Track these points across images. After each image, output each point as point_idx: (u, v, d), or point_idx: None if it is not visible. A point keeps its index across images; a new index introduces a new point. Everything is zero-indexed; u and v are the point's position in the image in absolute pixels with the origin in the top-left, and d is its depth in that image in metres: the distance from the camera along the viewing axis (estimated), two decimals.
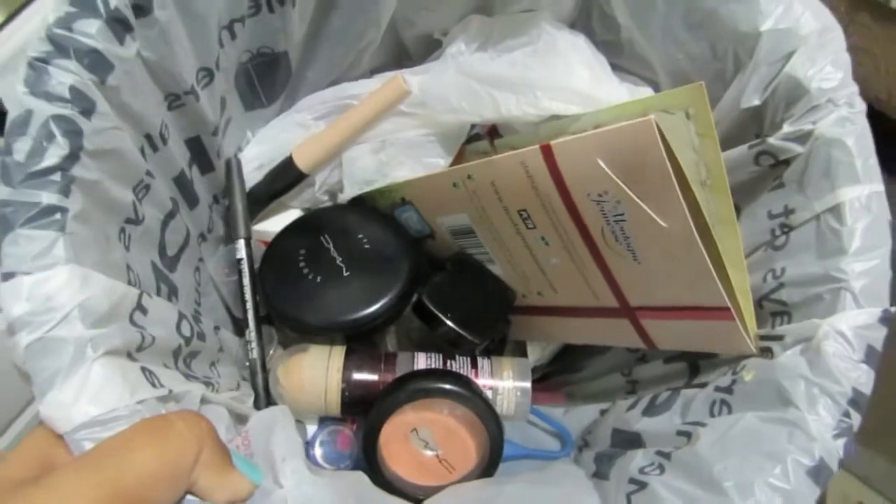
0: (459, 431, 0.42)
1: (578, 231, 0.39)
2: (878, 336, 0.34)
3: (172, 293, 0.41)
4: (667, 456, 0.36)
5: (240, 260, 0.48)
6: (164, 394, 0.30)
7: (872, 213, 0.36)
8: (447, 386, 0.41)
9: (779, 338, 0.37)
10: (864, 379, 0.33)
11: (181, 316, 0.37)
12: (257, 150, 0.49)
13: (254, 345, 0.47)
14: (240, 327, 0.48)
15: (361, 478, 0.35)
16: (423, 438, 0.42)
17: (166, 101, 0.38)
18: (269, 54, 0.45)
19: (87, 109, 0.31)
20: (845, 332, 0.34)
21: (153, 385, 0.30)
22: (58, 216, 0.29)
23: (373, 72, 0.50)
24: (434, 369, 0.44)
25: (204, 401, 0.35)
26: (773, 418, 0.33)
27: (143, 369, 0.31)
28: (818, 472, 0.31)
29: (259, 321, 0.48)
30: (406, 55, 0.51)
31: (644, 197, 0.35)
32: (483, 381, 0.44)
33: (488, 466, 0.41)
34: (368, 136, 0.48)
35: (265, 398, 0.46)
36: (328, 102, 0.48)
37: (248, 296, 0.47)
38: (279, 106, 0.50)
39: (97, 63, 0.31)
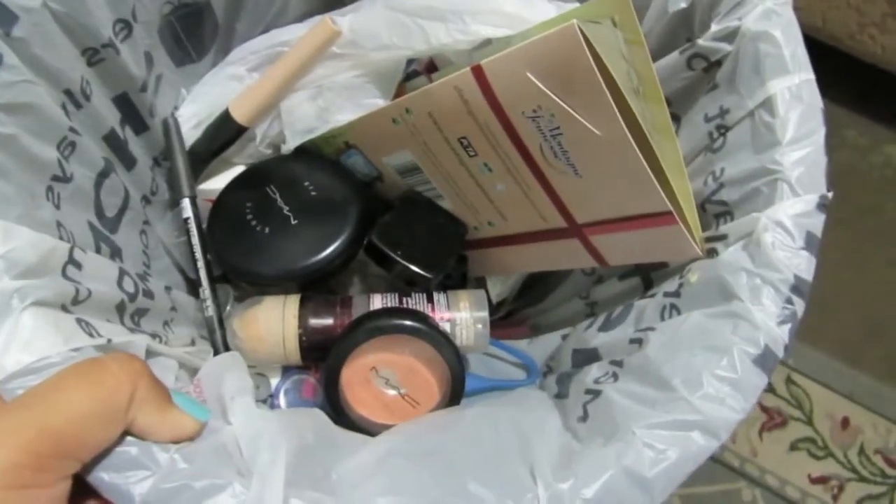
0: (420, 367, 0.42)
1: (518, 152, 0.39)
2: (817, 222, 0.34)
3: (115, 254, 0.40)
4: (619, 364, 0.36)
5: (186, 219, 0.47)
6: (103, 343, 0.30)
7: (804, 102, 0.36)
8: (403, 322, 0.41)
9: (722, 237, 0.37)
10: (804, 265, 0.33)
11: (122, 272, 0.37)
12: (193, 108, 0.48)
13: (209, 303, 0.47)
14: (196, 289, 0.48)
15: (318, 414, 0.35)
16: (384, 377, 0.42)
17: (84, 55, 0.37)
18: (191, 4, 0.44)
19: None
20: (783, 221, 0.34)
21: (90, 335, 0.30)
22: None
23: (304, 16, 0.49)
24: (390, 308, 0.44)
25: (150, 352, 0.35)
26: (718, 313, 0.33)
27: (80, 321, 0.30)
28: (764, 360, 0.31)
29: (213, 279, 0.48)
30: None
31: (577, 107, 0.35)
32: (440, 315, 0.44)
33: (452, 399, 0.41)
34: (304, 82, 0.47)
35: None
36: (259, 52, 0.47)
37: (198, 254, 0.47)
38: (211, 60, 0.49)
39: (0, 13, 0.30)
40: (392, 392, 0.42)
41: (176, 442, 0.27)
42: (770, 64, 0.36)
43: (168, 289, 0.44)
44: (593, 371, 0.37)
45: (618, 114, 0.34)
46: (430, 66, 0.48)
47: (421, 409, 0.42)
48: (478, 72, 0.37)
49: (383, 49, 0.44)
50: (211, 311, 0.46)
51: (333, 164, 0.49)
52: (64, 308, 0.30)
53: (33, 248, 0.29)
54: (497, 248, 0.48)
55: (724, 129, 0.39)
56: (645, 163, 0.35)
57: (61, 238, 0.33)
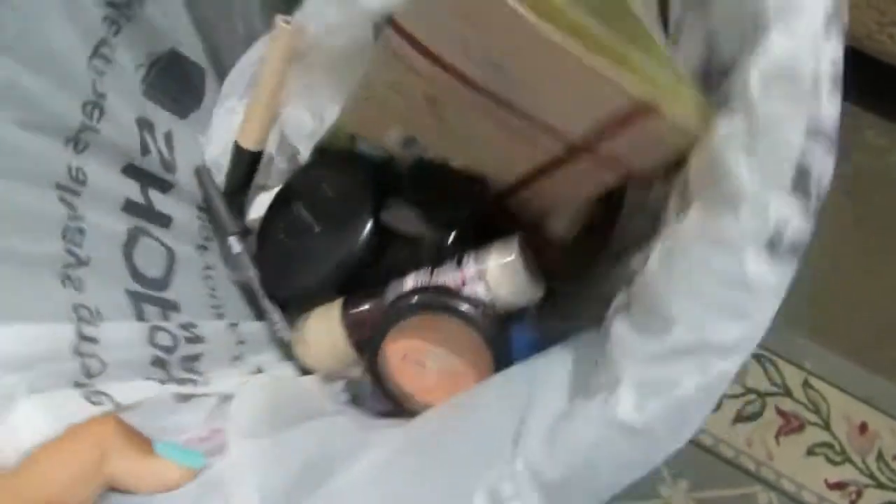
0: (455, 342, 0.40)
1: (473, 90, 0.35)
2: (830, 49, 0.25)
3: (168, 308, 0.43)
4: (630, 287, 0.31)
5: (237, 255, 0.50)
6: (109, 409, 0.32)
7: None
8: (416, 302, 0.40)
9: (724, 103, 0.29)
10: (822, 106, 0.25)
11: (155, 330, 0.40)
12: (213, 151, 0.50)
13: (279, 326, 0.49)
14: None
15: (330, 423, 0.35)
16: (421, 359, 0.40)
17: (69, 144, 0.40)
18: (162, 59, 0.46)
19: None
20: (781, 59, 0.26)
21: (98, 404, 0.32)
22: None
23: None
24: (407, 292, 0.42)
25: (185, 398, 0.37)
26: (716, 200, 0.27)
27: (90, 394, 0.33)
28: (776, 243, 0.24)
29: (280, 305, 0.50)
30: None
31: (494, 29, 0.30)
32: (470, 275, 0.41)
33: (498, 364, 0.39)
34: (291, 88, 0.47)
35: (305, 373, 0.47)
36: (243, 76, 0.48)
37: (255, 285, 0.49)
38: (212, 99, 0.51)
39: None
40: (433, 369, 0.40)
41: (163, 490, 0.28)
42: None
43: (233, 325, 0.47)
44: (614, 303, 0.32)
45: (525, 13, 0.28)
46: None
47: (469, 379, 0.40)
48: (396, 26, 0.33)
49: (335, 31, 0.42)
50: (286, 336, 0.48)
51: (345, 158, 0.48)
52: (76, 384, 0.33)
53: (28, 340, 0.32)
54: (524, 191, 0.43)
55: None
56: (579, 55, 0.29)
57: (80, 317, 0.36)
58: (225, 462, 0.30)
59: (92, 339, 0.35)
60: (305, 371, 0.48)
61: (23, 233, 0.35)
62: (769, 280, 0.24)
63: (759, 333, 0.24)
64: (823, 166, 0.25)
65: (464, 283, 0.42)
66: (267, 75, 0.46)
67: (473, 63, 0.33)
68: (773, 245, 0.24)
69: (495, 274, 0.41)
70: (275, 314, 0.49)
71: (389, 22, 0.34)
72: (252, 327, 0.48)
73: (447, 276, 0.43)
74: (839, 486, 0.79)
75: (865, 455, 0.80)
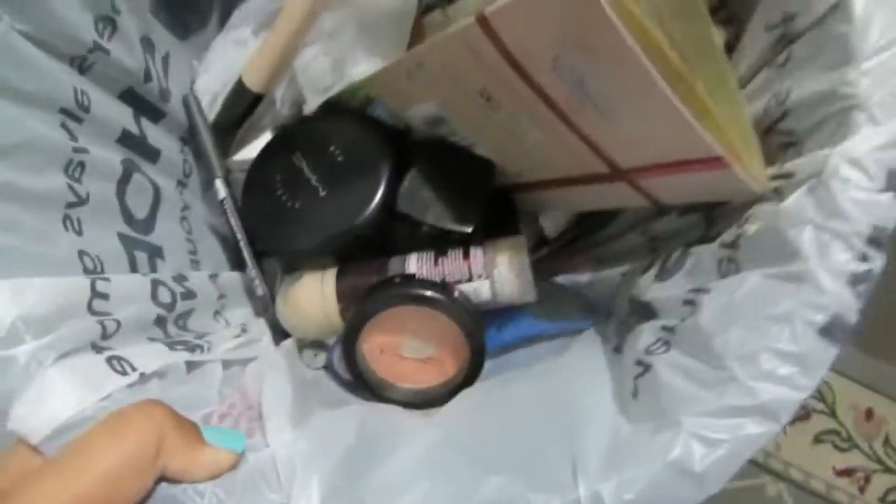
0: (438, 333, 0.41)
1: (545, 104, 0.35)
2: None
3: (154, 255, 0.40)
4: (672, 330, 0.33)
5: (221, 200, 0.47)
6: (135, 379, 0.30)
7: (888, 4, 0.29)
8: (407, 292, 0.40)
9: (788, 176, 0.32)
10: (884, 212, 0.28)
11: (156, 284, 0.37)
12: (206, 80, 0.46)
13: (257, 282, 0.47)
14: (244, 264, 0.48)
15: (356, 411, 0.35)
16: (403, 345, 0.42)
17: (73, 65, 0.36)
18: None
19: None
20: (859, 158, 0.28)
21: (123, 373, 0.30)
22: None
23: None
24: (394, 279, 0.42)
25: (193, 365, 0.35)
26: (779, 274, 0.29)
27: (111, 359, 0.31)
28: (832, 329, 0.28)
29: (258, 256, 0.48)
30: None
31: (598, 53, 0.30)
32: (477, 270, 0.42)
33: (472, 364, 0.41)
34: (314, 36, 0.44)
35: (280, 331, 0.46)
36: (262, 9, 0.44)
37: (239, 235, 0.47)
38: (216, 24, 0.46)
39: None
40: (412, 357, 0.42)
41: (214, 477, 0.28)
42: None
43: (214, 276, 0.44)
44: (645, 335, 0.35)
45: (644, 60, 0.28)
46: None
47: (447, 368, 0.42)
48: (483, 23, 0.32)
49: None
50: (261, 290, 0.47)
51: (359, 121, 0.46)
52: (94, 346, 0.31)
53: (50, 298, 0.29)
54: (543, 191, 0.44)
55: (788, 40, 0.33)
56: (682, 107, 0.30)
57: (85, 268, 0.33)
58: (268, 452, 0.29)
59: (103, 296, 0.33)
60: (276, 328, 0.47)
61: (27, 166, 0.32)
62: (821, 357, 0.27)
63: (805, 396, 0.27)
64: (879, 265, 0.28)
65: (469, 277, 0.43)
66: (292, 17, 0.42)
67: (557, 78, 0.33)
68: (828, 331, 0.27)
69: (503, 272, 0.42)
70: (255, 269, 0.47)
71: (477, 17, 0.33)
72: (229, 279, 0.47)
73: (453, 265, 0.43)
74: (847, 472, 0.78)
75: (872, 441, 0.79)
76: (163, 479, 0.27)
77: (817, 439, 0.80)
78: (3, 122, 0.30)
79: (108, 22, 0.37)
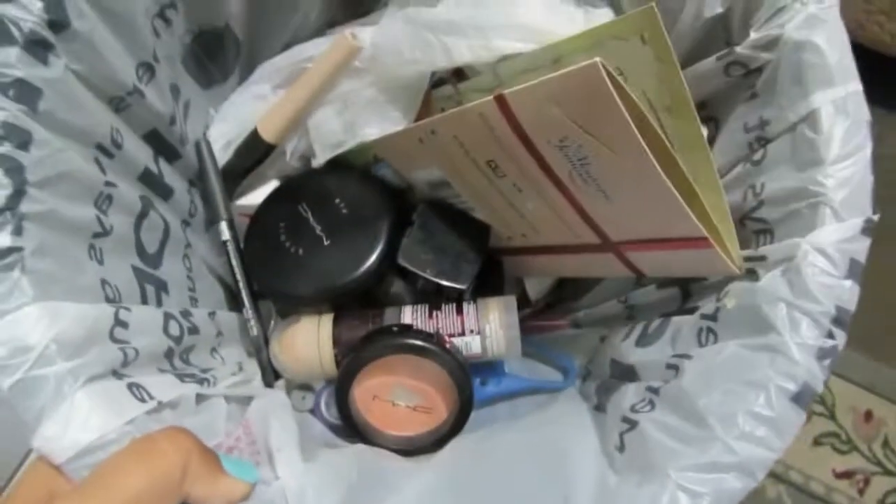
0: (428, 382, 0.44)
1: (547, 176, 0.38)
2: (861, 248, 0.33)
3: (161, 289, 0.41)
4: (656, 392, 0.36)
5: (225, 242, 0.48)
6: (154, 406, 0.32)
7: (850, 117, 0.34)
8: (404, 342, 0.42)
9: (761, 258, 0.36)
10: (846, 296, 0.32)
11: (167, 317, 0.38)
12: (222, 128, 0.48)
13: (252, 323, 0.48)
14: (239, 304, 0.49)
15: (361, 450, 0.37)
16: (393, 393, 0.44)
17: (111, 105, 0.38)
18: (210, 31, 0.44)
19: (24, 142, 0.31)
20: (825, 248, 0.33)
21: (142, 400, 0.31)
22: (15, 257, 0.29)
23: (324, 28, 0.48)
24: (391, 328, 0.45)
25: (200, 398, 0.36)
26: (755, 345, 0.33)
27: (131, 385, 0.32)
28: (802, 397, 0.31)
29: (255, 298, 0.49)
30: (357, 2, 0.49)
31: (603, 139, 0.34)
32: (469, 325, 0.45)
33: (461, 412, 0.43)
34: (329, 97, 0.47)
35: (272, 372, 0.48)
36: (283, 69, 0.47)
37: (239, 276, 0.48)
38: (237, 78, 0.49)
39: (24, 92, 0.31)
40: (402, 405, 0.43)
41: None
42: (813, 75, 0.34)
43: (212, 314, 0.45)
44: (630, 395, 0.38)
45: (645, 147, 0.32)
46: (458, 73, 0.47)
47: (434, 417, 0.44)
48: (501, 101, 0.36)
49: (405, 64, 0.43)
50: (255, 331, 0.48)
51: (363, 177, 0.49)
52: (115, 374, 0.32)
53: (80, 323, 0.30)
54: (532, 256, 0.48)
55: (764, 141, 0.37)
56: (675, 192, 0.34)
57: (106, 296, 0.35)
58: (277, 484, 0.31)
59: (124, 324, 0.34)
60: (265, 367, 0.49)
61: (66, 195, 0.33)
62: (792, 422, 0.31)
63: (778, 455, 0.31)
64: (842, 343, 0.32)
65: (462, 331, 0.45)
66: (313, 78, 0.45)
67: (563, 156, 0.36)
68: (798, 398, 0.31)
69: (494, 328, 0.45)
70: (252, 310, 0.48)
71: (496, 96, 0.36)
72: (225, 318, 0.48)
73: (447, 319, 0.46)
74: (847, 474, 0.78)
75: (872, 443, 0.80)
76: None
77: (817, 441, 0.79)
78: (51, 153, 0.32)
79: (148, 68, 0.39)
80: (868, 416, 0.81)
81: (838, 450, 0.80)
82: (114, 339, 0.33)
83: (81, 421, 0.28)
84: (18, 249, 0.29)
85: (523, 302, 0.55)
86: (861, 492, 0.78)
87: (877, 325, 0.78)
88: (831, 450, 0.80)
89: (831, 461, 0.79)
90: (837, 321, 0.32)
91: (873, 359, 0.82)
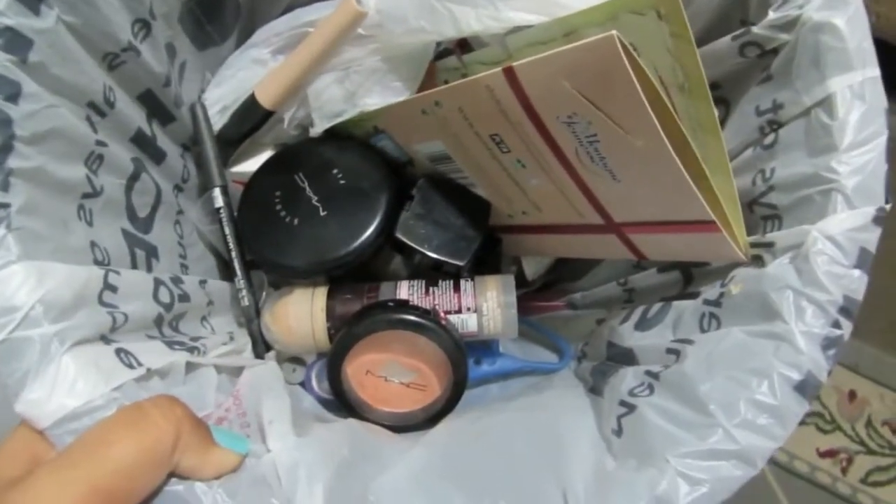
0: (422, 357, 0.43)
1: (553, 153, 0.37)
2: (872, 237, 0.32)
3: (151, 255, 0.40)
4: (655, 376, 0.36)
5: (218, 209, 0.47)
6: (142, 373, 0.31)
7: (866, 102, 0.33)
8: (399, 317, 0.42)
9: (769, 245, 0.35)
10: (855, 285, 0.32)
11: (157, 283, 0.37)
12: (218, 92, 0.47)
13: (244, 293, 0.47)
14: (230, 272, 0.48)
15: (352, 426, 0.36)
16: (386, 369, 0.43)
17: (104, 61, 0.36)
18: None
19: (13, 94, 0.29)
20: (836, 236, 0.32)
21: (130, 366, 0.30)
22: (1, 213, 0.28)
23: None
24: (388, 303, 0.44)
25: (190, 367, 0.35)
26: (759, 332, 0.32)
27: (119, 351, 0.31)
28: (805, 386, 0.31)
29: (247, 267, 0.48)
30: None
31: (615, 116, 0.33)
32: (466, 303, 0.44)
33: (455, 388, 0.42)
34: (331, 64, 0.45)
35: (262, 343, 0.47)
36: (283, 33, 0.45)
37: (231, 244, 0.47)
38: (234, 41, 0.47)
39: (13, 41, 0.29)
40: (396, 381, 0.43)
41: (219, 477, 0.28)
42: (831, 58, 0.33)
43: (203, 282, 0.44)
44: (629, 378, 0.37)
45: (658, 127, 0.31)
46: (463, 44, 0.46)
47: (428, 394, 0.43)
48: (510, 74, 0.34)
49: (411, 33, 0.41)
50: (247, 300, 0.47)
51: (363, 148, 0.47)
52: (104, 339, 0.31)
53: (69, 285, 0.29)
54: (532, 234, 0.47)
55: (776, 125, 0.37)
56: (686, 174, 0.33)
57: (95, 259, 0.34)
58: (269, 457, 0.30)
59: (113, 288, 0.33)
60: (255, 338, 0.48)
61: (56, 153, 0.32)
62: (795, 411, 0.30)
63: (780, 444, 0.30)
64: (848, 332, 0.31)
65: (458, 309, 0.45)
66: (315, 44, 0.44)
67: (571, 132, 0.35)
68: (801, 387, 0.31)
69: (491, 307, 0.44)
70: (244, 279, 0.47)
71: (504, 69, 0.35)
72: (217, 287, 0.47)
73: (443, 296, 0.45)
74: (830, 453, 0.79)
75: (855, 422, 0.81)
76: (172, 474, 0.27)
77: (801, 420, 0.82)
78: (41, 109, 0.30)
79: (144, 25, 0.38)
80: (852, 395, 0.82)
81: (822, 429, 0.81)
82: (102, 303, 0.32)
83: (67, 385, 0.27)
84: (5, 206, 0.28)
85: (520, 281, 0.55)
86: (844, 471, 0.79)
87: (862, 307, 0.79)
88: (815, 429, 0.81)
89: (815, 440, 0.80)
90: (844, 311, 0.31)
91: (858, 339, 0.83)
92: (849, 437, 0.81)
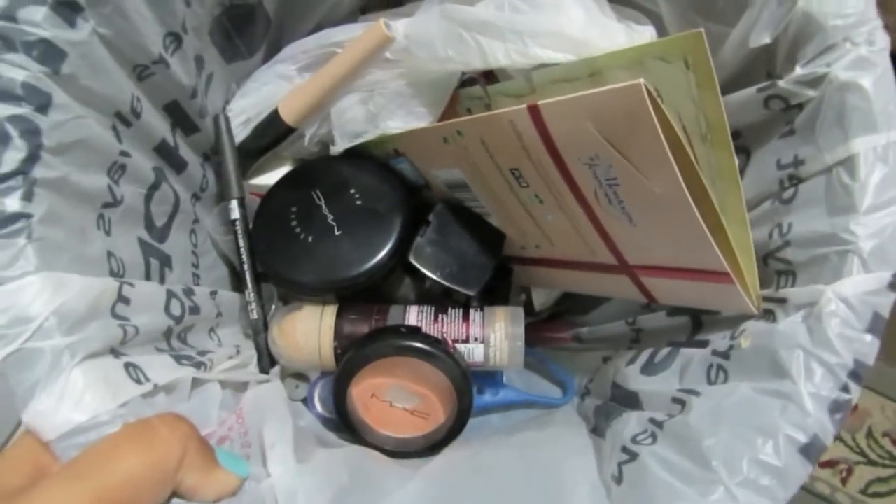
0: (427, 385, 0.43)
1: (571, 192, 0.37)
2: (886, 302, 0.32)
3: (164, 264, 0.41)
4: (659, 425, 0.35)
5: (234, 221, 0.47)
6: (149, 389, 0.31)
7: (888, 165, 0.33)
8: (407, 343, 0.41)
9: (782, 301, 0.35)
10: (866, 349, 0.31)
11: (170, 295, 0.38)
12: (243, 104, 0.47)
13: (253, 306, 0.47)
14: (241, 282, 0.48)
15: (352, 452, 0.36)
16: (391, 394, 0.43)
17: (134, 72, 0.36)
18: (242, 6, 0.43)
19: (43, 104, 0.30)
20: (850, 298, 0.32)
21: (138, 382, 0.31)
22: (23, 223, 0.28)
23: (357, 13, 0.46)
24: (397, 328, 0.44)
25: (196, 383, 0.35)
26: (767, 390, 0.32)
27: (128, 366, 0.31)
28: (810, 450, 0.30)
29: (258, 280, 0.48)
30: None
31: (636, 162, 0.33)
32: (474, 333, 0.44)
33: (458, 418, 0.42)
34: (355, 85, 0.46)
35: (268, 357, 0.47)
36: (311, 51, 0.46)
37: (244, 257, 0.47)
38: (262, 55, 0.48)
39: (48, 53, 0.30)
40: (400, 406, 0.43)
41: (219, 499, 0.28)
42: (856, 119, 0.33)
43: (214, 293, 0.45)
44: (632, 424, 0.37)
45: (679, 176, 0.32)
46: (488, 75, 0.46)
47: (430, 422, 0.43)
48: (534, 111, 0.35)
49: (438, 61, 0.42)
50: (256, 314, 0.47)
51: (381, 169, 0.48)
52: (113, 352, 0.31)
53: (83, 296, 0.30)
54: (544, 267, 0.47)
55: (796, 180, 0.36)
56: (703, 224, 0.33)
57: (111, 269, 0.34)
58: (268, 482, 0.30)
59: (126, 300, 0.33)
60: (261, 352, 0.48)
61: (80, 163, 0.32)
62: (798, 473, 0.30)
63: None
64: (856, 397, 0.31)
65: (466, 338, 0.45)
66: (341, 65, 0.44)
67: (591, 173, 0.35)
68: (807, 450, 0.30)
69: (499, 338, 0.44)
70: (255, 292, 0.47)
71: (529, 106, 0.35)
72: (227, 298, 0.47)
73: (452, 324, 0.45)
74: (830, 464, 0.78)
75: (855, 433, 0.80)
76: (174, 494, 0.27)
77: None
78: (69, 120, 0.31)
79: (175, 38, 0.38)
80: (853, 406, 0.81)
81: None
82: (115, 316, 0.32)
83: (75, 399, 0.27)
84: (27, 216, 0.28)
85: (527, 310, 0.55)
86: (844, 481, 0.77)
87: None
88: None
89: None
90: (854, 375, 0.31)
91: None
92: (849, 448, 0.79)
